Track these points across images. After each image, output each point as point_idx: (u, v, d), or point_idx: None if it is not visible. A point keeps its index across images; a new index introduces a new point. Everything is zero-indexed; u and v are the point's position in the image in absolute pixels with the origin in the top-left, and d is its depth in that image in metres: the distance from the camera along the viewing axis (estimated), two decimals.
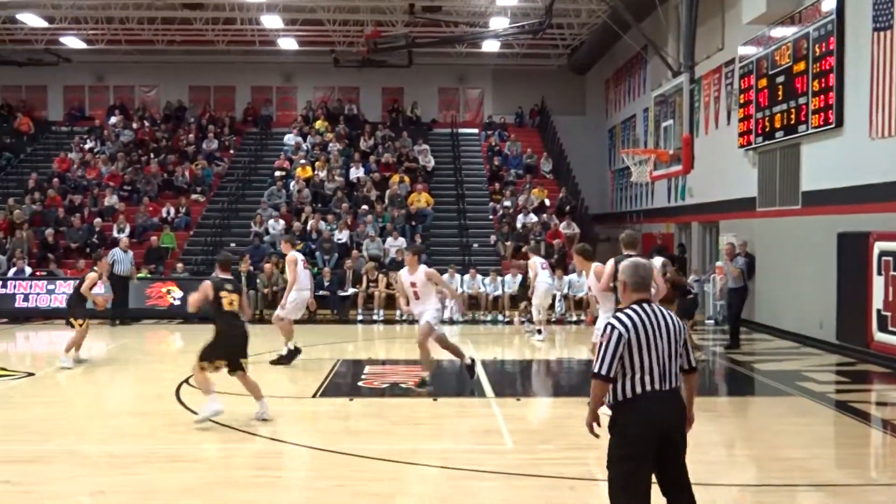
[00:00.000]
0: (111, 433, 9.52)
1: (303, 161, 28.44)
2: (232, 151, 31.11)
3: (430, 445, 9.02)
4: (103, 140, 30.71)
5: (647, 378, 5.13)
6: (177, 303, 20.91)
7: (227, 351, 9.74)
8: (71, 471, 7.93)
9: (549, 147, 31.78)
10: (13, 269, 22.14)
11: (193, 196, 27.47)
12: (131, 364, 14.62)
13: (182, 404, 10.84)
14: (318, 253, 23.24)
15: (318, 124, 31.62)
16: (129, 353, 15.78)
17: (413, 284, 11.83)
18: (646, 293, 5.33)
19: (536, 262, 17.25)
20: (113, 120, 32.22)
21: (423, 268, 11.83)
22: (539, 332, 17.23)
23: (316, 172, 27.84)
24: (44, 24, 28.26)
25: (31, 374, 13.42)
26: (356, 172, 28.14)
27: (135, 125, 31.85)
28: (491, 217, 26.70)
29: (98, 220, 24.99)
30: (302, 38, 30.58)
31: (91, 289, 14.07)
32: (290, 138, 30.43)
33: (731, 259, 16.49)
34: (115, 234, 24.55)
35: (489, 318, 21.10)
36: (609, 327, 5.21)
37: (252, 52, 32.29)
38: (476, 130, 33.65)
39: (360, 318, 21.14)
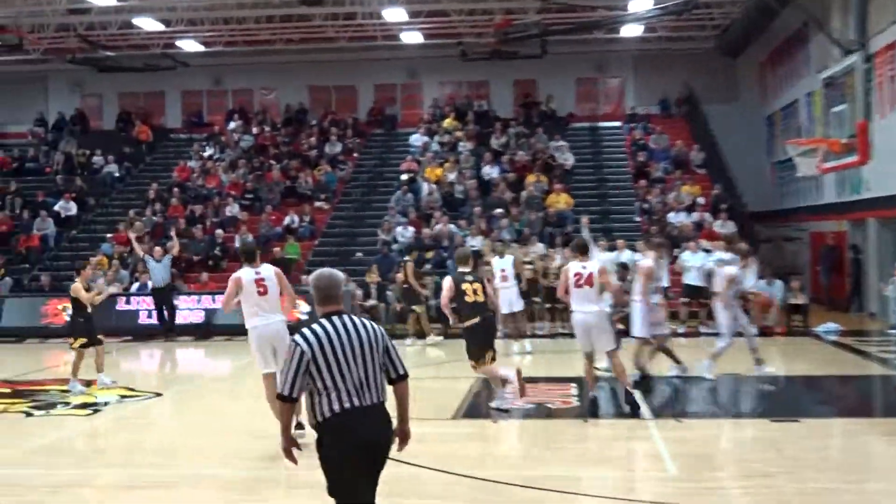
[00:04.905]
0: (230, 454, 9.75)
1: (431, 162, 28.67)
2: (356, 154, 31.57)
3: (582, 471, 8.90)
4: (223, 147, 31.71)
5: (343, 395, 5.24)
6: (304, 317, 21.29)
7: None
8: (196, 496, 8.13)
9: (699, 139, 31.07)
10: (136, 285, 23.00)
11: (317, 203, 28.02)
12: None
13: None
14: (450, 262, 23.33)
15: (446, 123, 31.79)
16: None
17: None
18: (335, 304, 5.45)
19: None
20: (232, 125, 33.19)
21: None
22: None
23: (445, 174, 28.02)
24: (160, 27, 29.33)
25: (158, 395, 13.89)
26: (489, 173, 28.18)
27: (254, 130, 32.75)
28: (638, 218, 26.29)
29: (219, 231, 25.81)
30: (427, 30, 30.79)
31: (86, 296, 14.18)
32: (417, 138, 30.72)
33: None
34: (237, 244, 25.23)
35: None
36: (293, 344, 5.34)
37: (374, 48, 32.68)
38: (618, 123, 33.19)
39: (500, 332, 20.80)
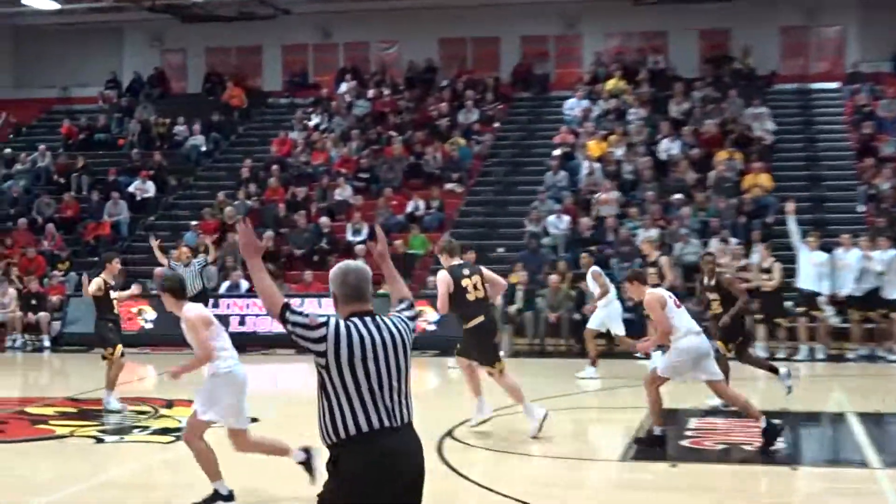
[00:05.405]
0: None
1: (592, 134, 28.46)
2: (497, 125, 31.64)
3: None
4: (332, 114, 32.09)
5: (371, 411, 5.34)
6: (431, 328, 21.20)
7: None
8: None
9: None
10: (226, 284, 23.40)
11: (448, 185, 28.17)
12: None
13: (445, 462, 11.01)
14: (614, 260, 23.06)
15: (612, 84, 31.52)
16: None
17: None
18: (365, 303, 5.59)
19: None
20: (343, 87, 33.58)
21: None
22: None
23: (610, 149, 27.77)
24: None
25: (254, 420, 14.02)
26: (667, 148, 27.80)
27: (371, 93, 33.05)
28: (861, 208, 25.55)
29: (325, 219, 26.15)
30: None
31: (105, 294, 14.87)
32: (574, 104, 30.56)
33: None
34: (348, 236, 25.55)
35: None
36: (325, 318, 5.40)
37: None
38: (836, 84, 32.45)
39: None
